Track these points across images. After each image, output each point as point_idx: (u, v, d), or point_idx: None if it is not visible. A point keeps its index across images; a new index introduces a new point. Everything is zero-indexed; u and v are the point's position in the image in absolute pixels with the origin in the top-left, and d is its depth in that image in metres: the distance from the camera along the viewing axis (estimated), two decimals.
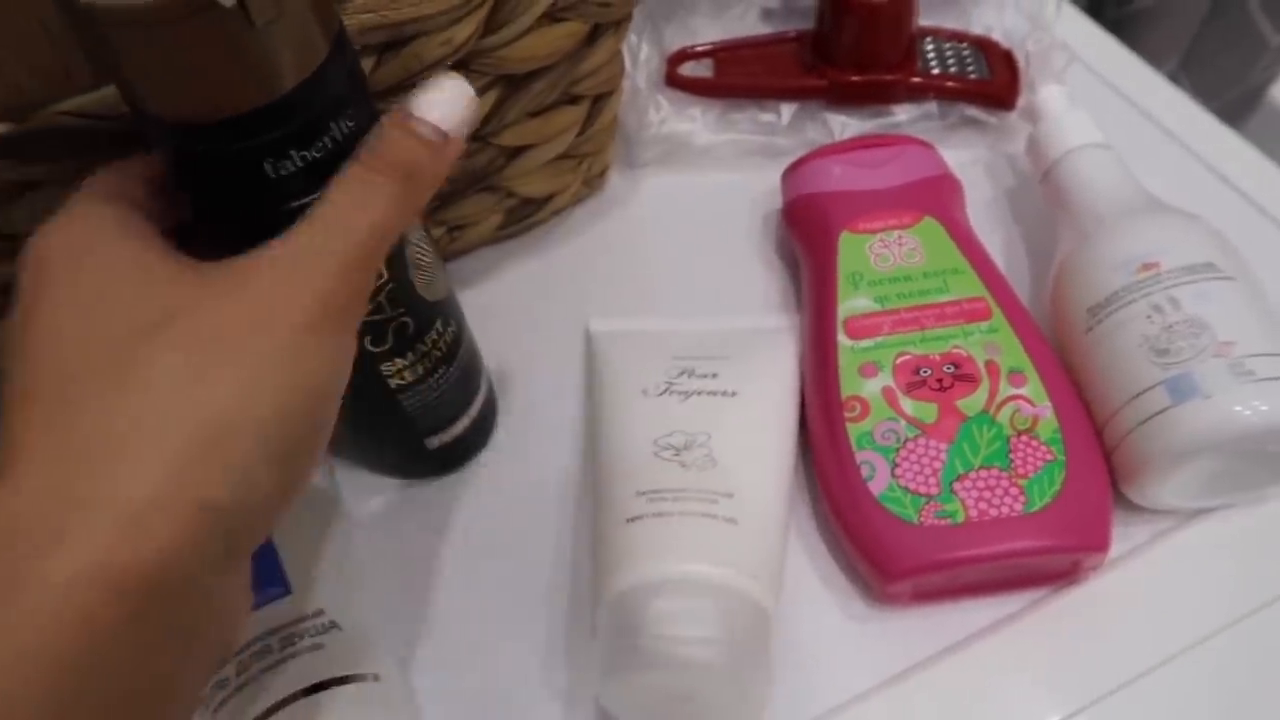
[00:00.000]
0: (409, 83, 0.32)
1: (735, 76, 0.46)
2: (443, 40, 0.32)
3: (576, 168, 0.43)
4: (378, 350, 0.31)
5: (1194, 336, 0.32)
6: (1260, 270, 0.35)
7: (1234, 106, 0.80)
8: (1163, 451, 0.32)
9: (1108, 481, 0.33)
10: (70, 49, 0.26)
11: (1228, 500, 0.35)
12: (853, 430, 0.34)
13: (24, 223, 0.29)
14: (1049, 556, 0.32)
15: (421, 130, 0.25)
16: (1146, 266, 0.33)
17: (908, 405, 0.34)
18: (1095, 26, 0.52)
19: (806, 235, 0.40)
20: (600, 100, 0.40)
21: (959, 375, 0.34)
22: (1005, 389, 0.34)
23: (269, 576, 0.31)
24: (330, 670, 0.29)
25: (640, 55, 0.46)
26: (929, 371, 0.35)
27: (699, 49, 0.47)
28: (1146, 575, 0.34)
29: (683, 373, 0.36)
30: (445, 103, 0.25)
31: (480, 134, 0.37)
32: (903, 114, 0.46)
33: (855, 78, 0.45)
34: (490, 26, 0.33)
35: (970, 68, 0.46)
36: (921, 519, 0.32)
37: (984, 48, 0.47)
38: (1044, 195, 0.41)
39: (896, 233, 0.38)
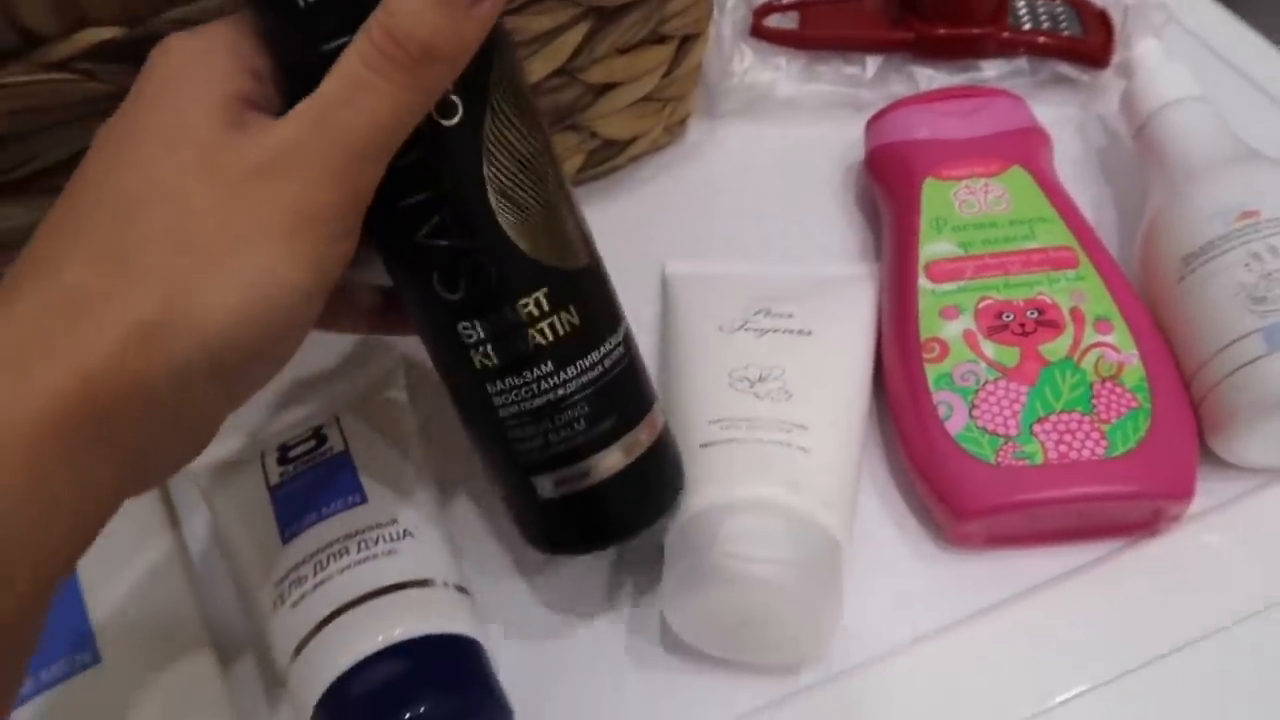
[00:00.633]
0: None
1: (821, 28, 0.46)
2: None
3: (659, 112, 0.43)
4: (450, 297, 0.25)
5: None
6: None
7: None
8: (1255, 402, 0.31)
9: (1194, 431, 0.32)
10: None
11: None
12: (931, 371, 0.33)
13: None
14: (1129, 502, 0.31)
15: None
16: (1245, 215, 0.33)
17: (988, 348, 0.34)
18: None
19: (890, 182, 0.40)
20: (687, 42, 0.40)
21: (1042, 320, 0.34)
22: (1090, 335, 0.33)
23: (346, 485, 0.32)
24: (402, 575, 0.30)
25: (727, 4, 0.46)
26: (1011, 316, 0.34)
27: (786, 1, 0.47)
28: (1227, 533, 0.33)
29: (759, 311, 0.36)
30: None
31: (568, 68, 0.37)
32: (991, 69, 0.45)
33: (943, 31, 0.45)
34: None
35: (1063, 24, 0.45)
36: (999, 459, 0.31)
37: (1077, 5, 0.46)
38: (1137, 150, 0.40)
39: (983, 180, 0.38)
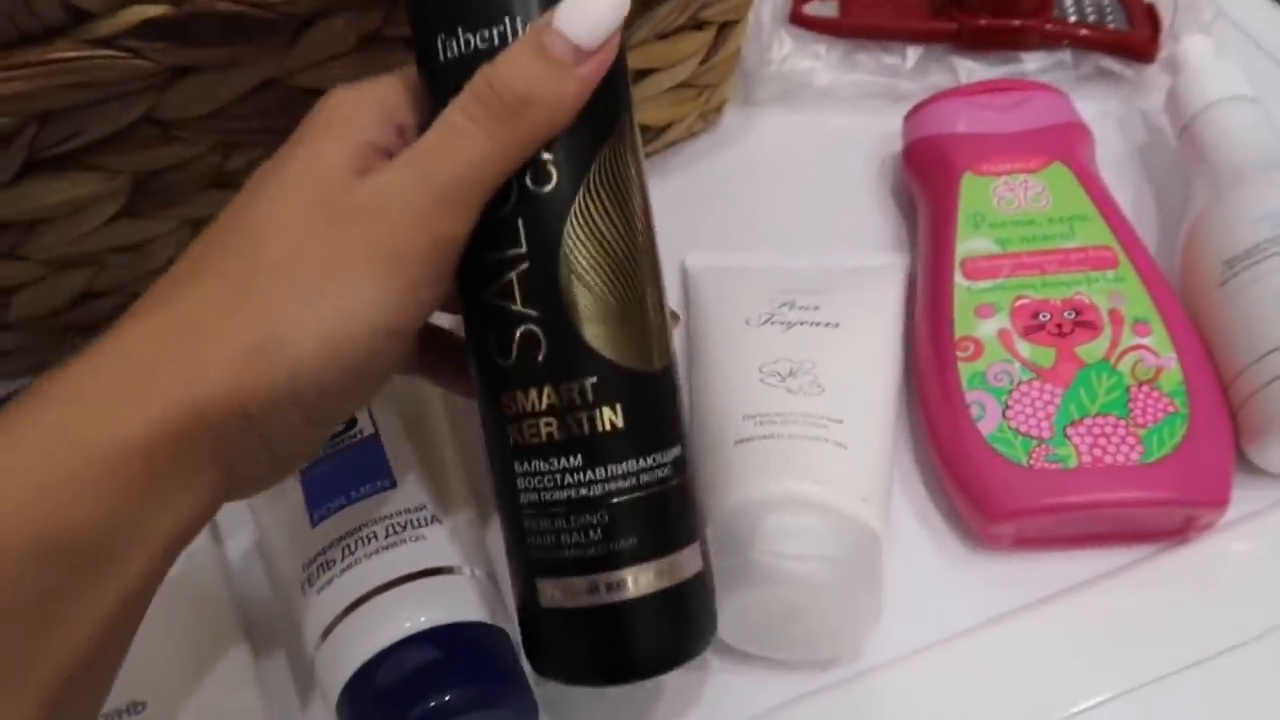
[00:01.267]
0: None
1: (861, 17, 0.46)
2: None
3: (695, 98, 0.43)
4: (500, 363, 0.25)
5: None
6: None
7: None
8: None
9: (1232, 438, 0.32)
10: None
11: None
12: (964, 369, 0.33)
13: (178, 107, 0.31)
14: (1163, 509, 0.31)
15: (552, 46, 0.23)
16: None
17: (1024, 348, 0.33)
18: None
19: (928, 177, 0.39)
20: (726, 28, 0.40)
21: (1080, 321, 0.33)
22: (1128, 338, 0.33)
23: (376, 469, 0.32)
24: (430, 560, 0.30)
25: None
26: (1048, 316, 0.34)
27: None
28: (1260, 542, 0.33)
29: (784, 304, 0.36)
30: (595, 9, 0.23)
31: None
32: (1033, 62, 0.44)
33: (986, 22, 0.44)
34: None
35: (1109, 17, 0.44)
36: (1031, 461, 0.31)
37: None
38: (1181, 149, 0.39)
39: (1023, 176, 0.37)
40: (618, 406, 0.25)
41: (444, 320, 0.29)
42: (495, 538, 0.33)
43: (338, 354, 0.23)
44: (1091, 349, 0.33)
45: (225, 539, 0.35)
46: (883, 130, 0.44)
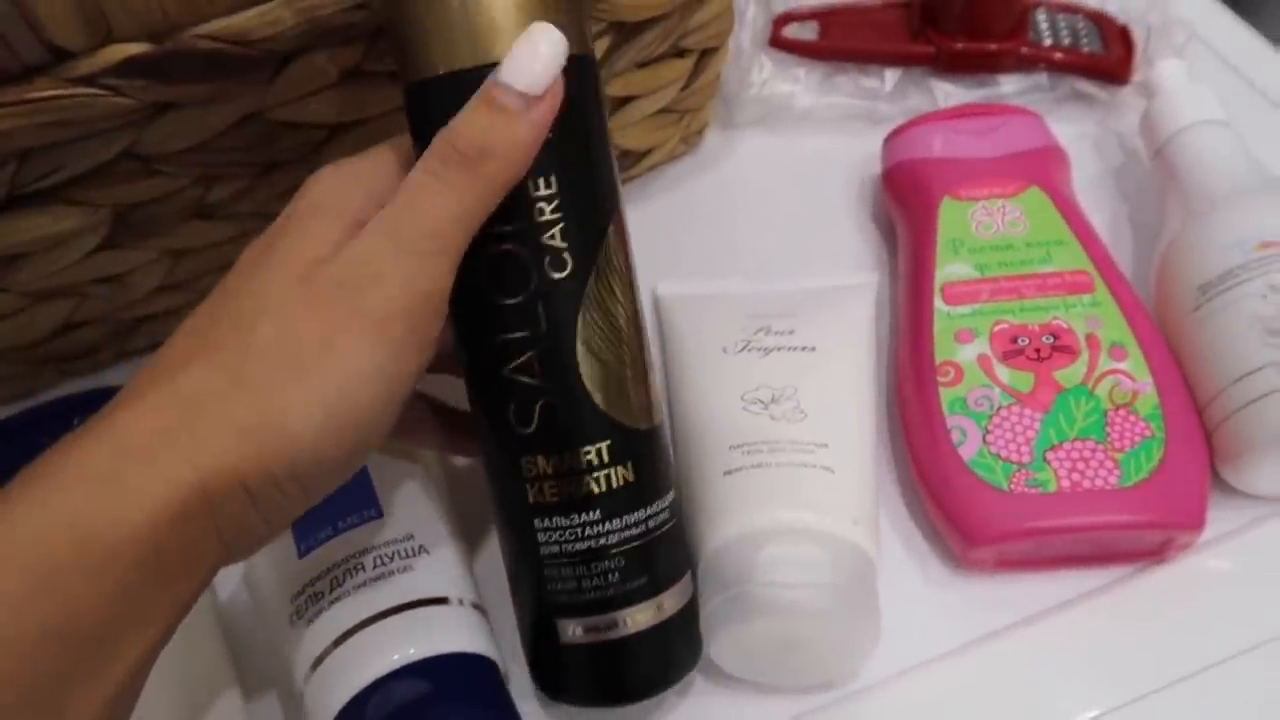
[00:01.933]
0: None
1: (840, 40, 0.46)
2: None
3: (677, 123, 0.43)
4: (521, 431, 0.27)
5: None
6: None
7: None
8: (1268, 433, 0.31)
9: (1206, 461, 0.32)
10: None
11: None
12: (945, 395, 0.34)
13: (159, 143, 0.31)
14: (1140, 532, 0.32)
15: (499, 98, 0.24)
16: (1265, 245, 0.33)
17: (1003, 373, 0.34)
18: (1216, 3, 0.50)
19: (907, 201, 0.40)
20: (706, 55, 0.40)
21: (1057, 346, 0.34)
22: (1105, 362, 0.33)
23: (362, 500, 0.32)
24: (418, 591, 0.30)
25: (746, 15, 0.45)
26: (1027, 341, 0.34)
27: (804, 11, 0.47)
28: (1237, 561, 0.33)
29: (759, 330, 0.36)
30: (535, 59, 0.24)
31: None
32: (1010, 85, 0.45)
33: (963, 46, 0.45)
34: None
35: (1084, 40, 0.45)
36: (1011, 486, 0.32)
37: (1098, 21, 0.46)
38: (1155, 172, 0.40)
39: (1000, 201, 0.38)
40: (629, 464, 0.27)
41: None
42: (481, 567, 0.34)
43: (338, 425, 0.23)
44: (1069, 373, 0.33)
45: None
46: (862, 152, 0.44)
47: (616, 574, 0.27)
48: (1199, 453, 0.32)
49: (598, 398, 0.27)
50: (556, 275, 0.26)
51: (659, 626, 0.28)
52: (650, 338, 0.36)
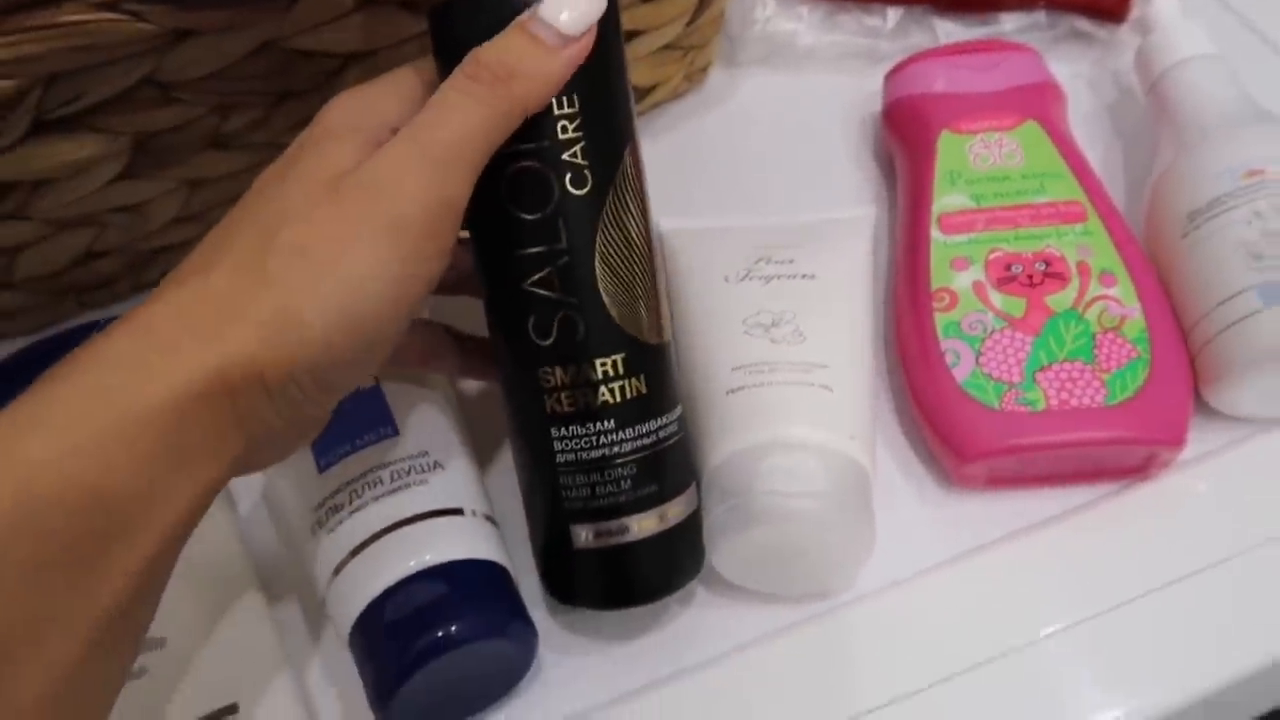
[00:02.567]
0: None
1: None
2: None
3: (680, 60, 0.44)
4: (540, 343, 0.28)
5: None
6: None
7: None
8: (1248, 354, 0.32)
9: (1190, 382, 0.34)
10: None
11: None
12: (940, 319, 0.35)
13: (179, 70, 0.32)
14: (1124, 448, 0.33)
15: (538, 31, 0.25)
16: (1251, 173, 0.34)
17: (996, 299, 0.35)
18: None
19: (906, 135, 0.41)
20: None
21: (1049, 273, 0.35)
22: (1095, 288, 0.35)
23: (379, 418, 0.34)
24: (434, 503, 0.32)
25: None
26: (1020, 268, 0.35)
27: None
28: (1215, 480, 0.35)
29: (760, 260, 0.37)
30: (575, 4, 0.26)
31: None
32: (1009, 22, 0.46)
33: None
34: None
35: None
36: (1002, 405, 0.33)
37: None
38: (1149, 107, 0.41)
39: (997, 134, 0.39)
40: (641, 377, 0.29)
41: None
42: (492, 482, 0.35)
43: (352, 323, 0.24)
44: (1060, 299, 0.35)
45: (234, 489, 0.36)
46: (864, 90, 0.45)
47: (628, 481, 0.29)
48: (1182, 374, 0.34)
49: (614, 312, 0.28)
50: (577, 191, 0.27)
51: (665, 533, 0.30)
52: (660, 263, 0.38)
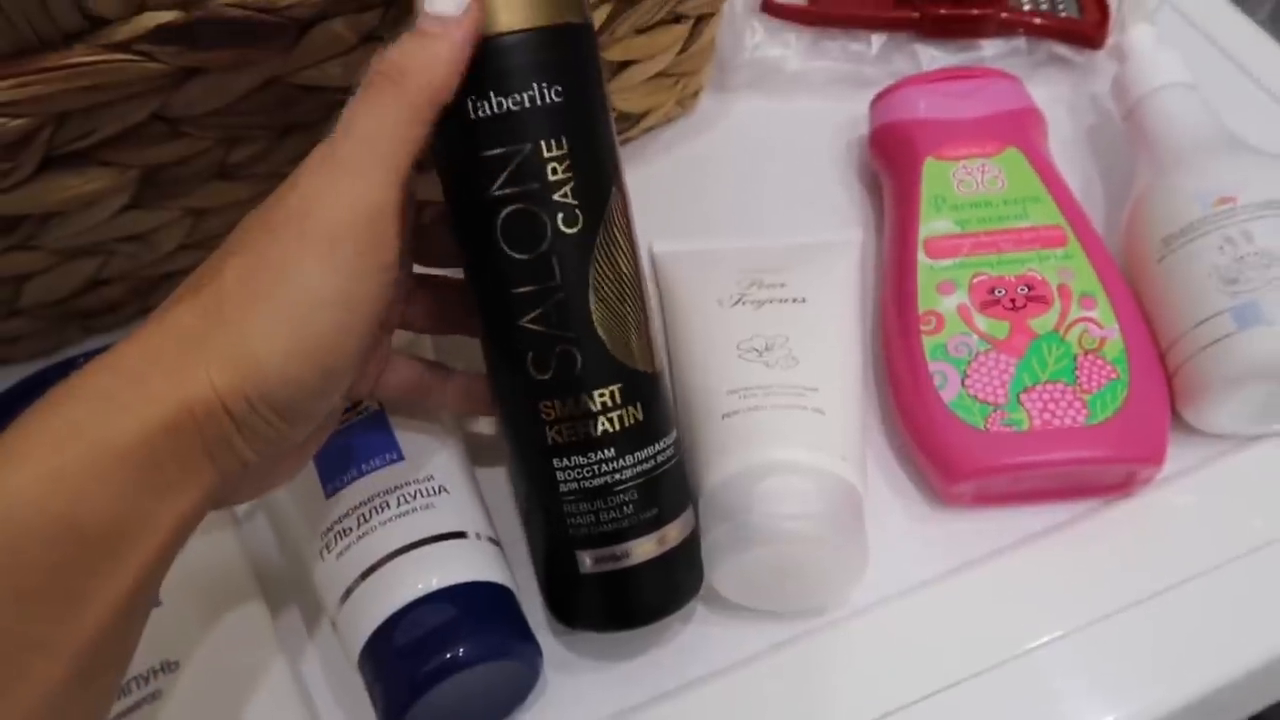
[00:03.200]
0: None
1: (828, 6, 0.48)
2: None
3: (673, 86, 0.45)
4: (539, 377, 0.29)
5: (1264, 268, 0.33)
6: None
7: None
8: (1223, 375, 0.33)
9: (1167, 401, 0.35)
10: None
11: None
12: (927, 342, 0.36)
13: (186, 106, 0.32)
14: (1106, 466, 0.34)
15: (423, 25, 0.26)
16: (1223, 200, 0.35)
17: (981, 322, 0.36)
18: None
19: (892, 160, 0.42)
20: (702, 20, 0.42)
21: (1032, 296, 0.36)
22: (1076, 311, 0.36)
23: (385, 445, 0.34)
24: (441, 526, 0.32)
25: None
26: (1003, 292, 0.37)
27: None
28: (1193, 495, 0.36)
29: (752, 284, 0.38)
30: None
31: None
32: (990, 49, 0.47)
33: (946, 11, 0.46)
34: None
35: (1061, 6, 0.47)
36: (988, 425, 0.34)
37: None
38: (1126, 132, 0.42)
39: (980, 160, 0.40)
40: (637, 405, 0.30)
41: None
42: (495, 506, 0.36)
43: (302, 348, 0.25)
44: (1042, 321, 0.36)
45: (240, 515, 0.37)
46: (850, 114, 0.46)
47: (631, 506, 0.30)
48: (1160, 393, 0.35)
49: (608, 344, 0.29)
50: (569, 230, 0.28)
51: (665, 555, 0.31)
52: (649, 292, 0.39)
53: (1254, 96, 0.47)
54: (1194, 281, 0.35)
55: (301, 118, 0.36)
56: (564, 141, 0.28)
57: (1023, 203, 0.39)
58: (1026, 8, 0.47)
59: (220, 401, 0.24)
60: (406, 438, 0.35)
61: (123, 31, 0.29)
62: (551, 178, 0.28)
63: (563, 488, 0.30)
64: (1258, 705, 0.36)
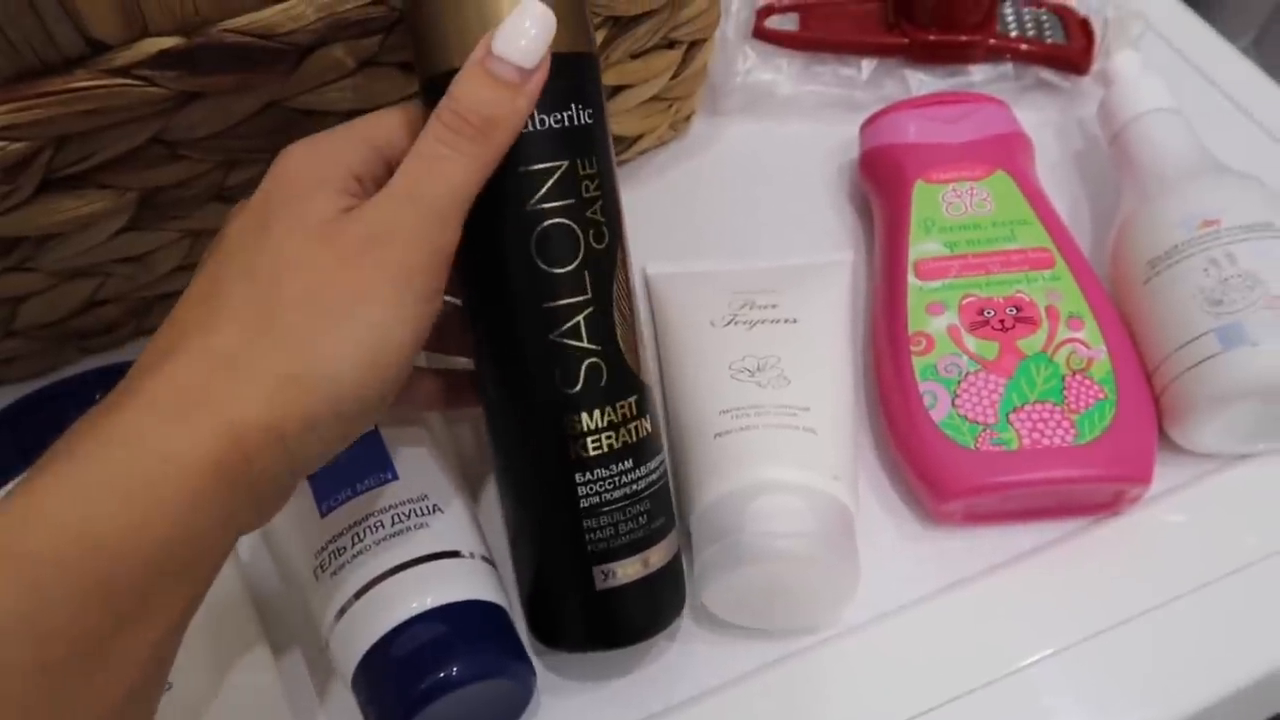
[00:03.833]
0: None
1: (819, 31, 0.48)
2: None
3: (666, 110, 0.45)
4: (567, 391, 0.29)
5: (1247, 289, 0.34)
6: None
7: None
8: (1209, 395, 0.34)
9: (1154, 420, 0.35)
10: None
11: (1268, 447, 0.37)
12: (918, 362, 0.36)
13: (186, 129, 0.33)
14: (1094, 485, 0.34)
15: (501, 72, 0.26)
16: (1207, 223, 0.36)
17: (970, 343, 0.37)
18: None
19: (882, 184, 0.42)
20: (695, 46, 0.43)
21: (1020, 317, 0.37)
22: (1063, 332, 0.36)
23: (379, 464, 0.35)
24: (434, 545, 0.33)
25: (732, 8, 0.48)
26: (992, 313, 0.37)
27: (786, 3, 0.49)
28: (1181, 513, 0.36)
29: (744, 305, 0.38)
30: (528, 34, 0.26)
31: None
32: (978, 74, 0.48)
33: (934, 37, 0.47)
34: None
35: (1047, 32, 0.48)
36: (978, 445, 0.34)
37: (1061, 14, 0.49)
38: (1111, 156, 0.43)
39: (968, 184, 0.40)
40: (648, 416, 0.31)
41: None
42: (489, 525, 0.36)
43: (375, 368, 0.25)
44: (1031, 342, 0.36)
45: None
46: (840, 137, 0.47)
47: (645, 516, 0.30)
48: (1148, 413, 0.35)
49: (627, 356, 0.30)
50: (598, 246, 0.29)
51: (672, 561, 0.32)
52: (642, 314, 0.39)
53: (1237, 121, 0.47)
54: (1179, 303, 0.35)
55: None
56: (594, 161, 0.29)
57: (1011, 225, 0.39)
58: (1014, 34, 0.48)
59: (278, 427, 0.24)
60: (401, 457, 0.35)
61: (124, 56, 0.30)
62: (585, 194, 0.29)
63: (583, 503, 0.30)
64: None
